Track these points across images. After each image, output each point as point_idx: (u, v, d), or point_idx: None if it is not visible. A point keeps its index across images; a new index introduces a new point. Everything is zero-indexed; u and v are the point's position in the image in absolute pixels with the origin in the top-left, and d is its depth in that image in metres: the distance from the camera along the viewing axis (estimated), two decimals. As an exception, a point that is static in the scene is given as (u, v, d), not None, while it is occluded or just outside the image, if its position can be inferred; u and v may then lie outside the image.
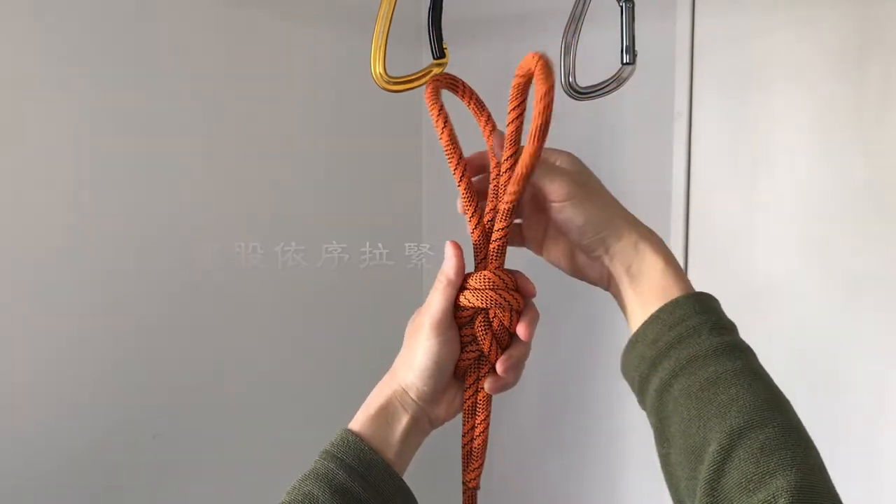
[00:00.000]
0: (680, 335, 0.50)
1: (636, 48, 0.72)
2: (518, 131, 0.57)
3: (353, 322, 1.34)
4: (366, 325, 1.36)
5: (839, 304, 0.95)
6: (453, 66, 0.74)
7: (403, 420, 0.56)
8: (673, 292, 0.52)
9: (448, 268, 0.56)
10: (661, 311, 0.52)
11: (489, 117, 0.61)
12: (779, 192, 0.99)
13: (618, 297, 0.57)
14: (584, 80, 0.78)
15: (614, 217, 0.55)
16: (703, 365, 0.49)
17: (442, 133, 0.58)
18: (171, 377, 1.09)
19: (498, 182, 0.57)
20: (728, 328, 0.51)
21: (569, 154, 0.59)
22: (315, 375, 1.28)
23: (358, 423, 0.56)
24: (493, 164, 0.59)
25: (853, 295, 0.94)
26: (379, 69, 0.73)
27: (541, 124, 0.51)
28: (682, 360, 0.49)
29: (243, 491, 1.19)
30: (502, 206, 0.55)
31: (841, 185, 0.94)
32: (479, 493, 0.62)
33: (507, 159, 0.56)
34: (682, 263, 1.09)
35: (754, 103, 1.00)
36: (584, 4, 0.71)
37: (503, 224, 0.56)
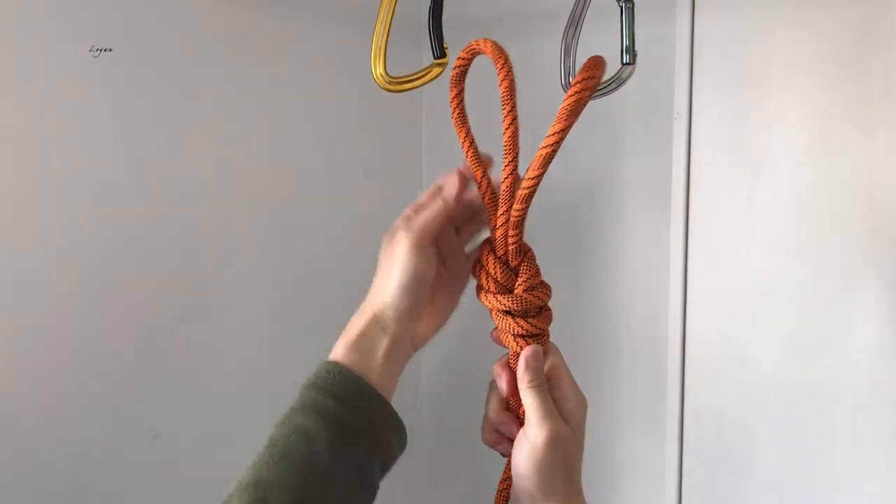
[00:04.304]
0: None
1: (636, 48, 0.72)
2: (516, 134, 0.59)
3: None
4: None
5: (839, 304, 0.95)
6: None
7: (384, 342, 0.56)
8: None
9: (448, 194, 0.58)
10: None
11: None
12: (779, 191, 0.99)
13: None
14: (584, 80, 0.78)
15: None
16: None
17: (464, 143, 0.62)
18: (172, 376, 1.09)
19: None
20: None
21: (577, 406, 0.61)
22: (315, 375, 1.28)
23: (338, 353, 0.56)
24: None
25: (853, 295, 0.94)
26: (379, 69, 0.73)
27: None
28: None
29: (243, 491, 1.19)
30: (513, 216, 0.58)
31: (841, 186, 0.94)
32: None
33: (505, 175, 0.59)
34: (681, 263, 1.10)
35: (754, 103, 1.00)
36: (584, 5, 0.71)
37: (514, 231, 0.59)
